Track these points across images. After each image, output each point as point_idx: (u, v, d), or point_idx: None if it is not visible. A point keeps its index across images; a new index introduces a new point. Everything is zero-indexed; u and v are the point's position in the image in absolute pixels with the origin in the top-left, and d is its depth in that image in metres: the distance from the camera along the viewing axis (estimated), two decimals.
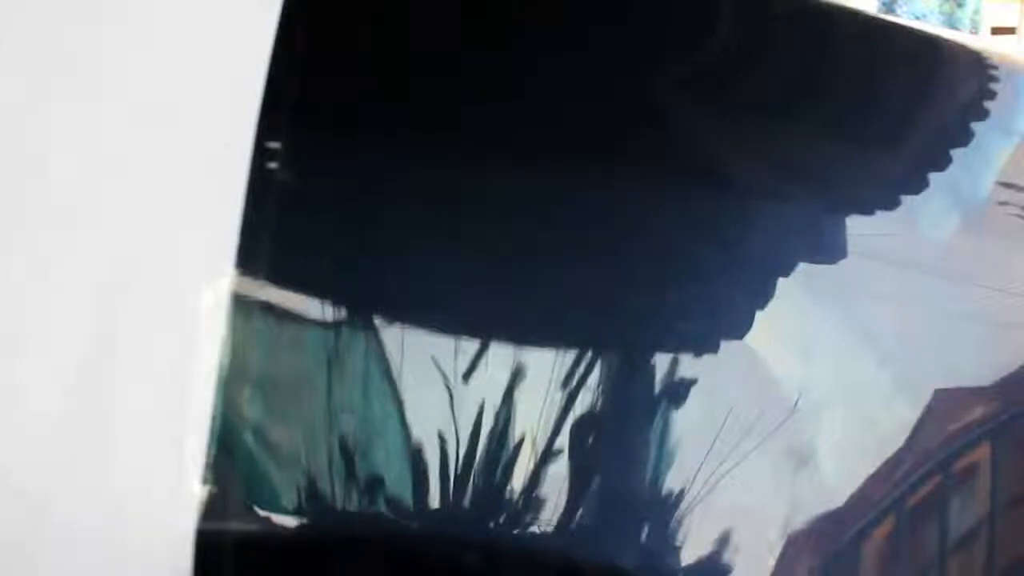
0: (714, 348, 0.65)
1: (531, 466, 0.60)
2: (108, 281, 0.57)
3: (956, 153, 0.79)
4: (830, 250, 0.70)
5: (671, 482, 0.61)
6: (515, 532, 0.60)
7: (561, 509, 0.60)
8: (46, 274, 0.57)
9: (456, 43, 0.68)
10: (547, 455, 0.60)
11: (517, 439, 0.60)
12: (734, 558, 0.61)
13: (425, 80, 0.66)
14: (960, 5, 4.42)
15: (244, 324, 0.59)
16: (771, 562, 0.62)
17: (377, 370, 0.60)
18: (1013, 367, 0.71)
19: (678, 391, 0.62)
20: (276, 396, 0.60)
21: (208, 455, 0.56)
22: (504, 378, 0.60)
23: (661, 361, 0.63)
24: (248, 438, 0.59)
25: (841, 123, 0.77)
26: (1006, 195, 0.82)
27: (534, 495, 0.60)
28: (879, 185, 0.75)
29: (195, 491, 0.56)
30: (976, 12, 4.45)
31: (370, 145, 0.64)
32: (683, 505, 0.61)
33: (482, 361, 0.61)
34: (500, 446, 0.60)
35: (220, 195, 0.58)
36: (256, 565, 0.60)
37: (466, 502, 0.60)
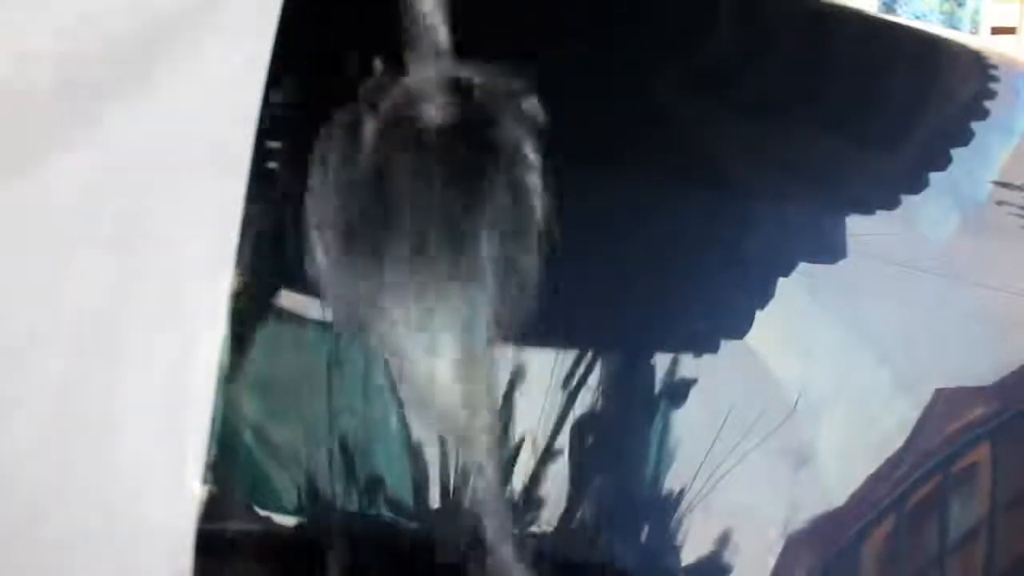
0: (714, 348, 0.65)
1: (531, 466, 0.60)
2: (108, 281, 0.57)
3: (956, 153, 0.79)
4: (830, 250, 0.70)
5: (671, 482, 0.61)
6: (515, 532, 0.60)
7: (561, 509, 0.60)
8: (46, 274, 0.57)
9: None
10: (547, 455, 0.60)
11: (517, 439, 0.60)
12: (734, 558, 0.61)
13: None
14: (960, 5, 4.42)
15: (244, 324, 0.59)
16: (771, 562, 0.62)
17: (377, 370, 0.60)
18: (1013, 367, 0.71)
19: (678, 391, 0.62)
20: (276, 396, 0.60)
21: (208, 455, 0.56)
22: (504, 378, 0.60)
23: (661, 361, 0.63)
24: (248, 438, 0.59)
25: (841, 123, 0.77)
26: (1005, 195, 0.82)
27: (534, 495, 0.60)
28: (879, 185, 0.75)
29: (195, 491, 0.56)
30: (976, 12, 4.45)
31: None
32: (683, 505, 0.61)
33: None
34: (500, 446, 0.60)
35: (220, 195, 0.58)
36: (256, 565, 0.60)
37: (466, 502, 0.60)
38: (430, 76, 0.61)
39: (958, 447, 0.68)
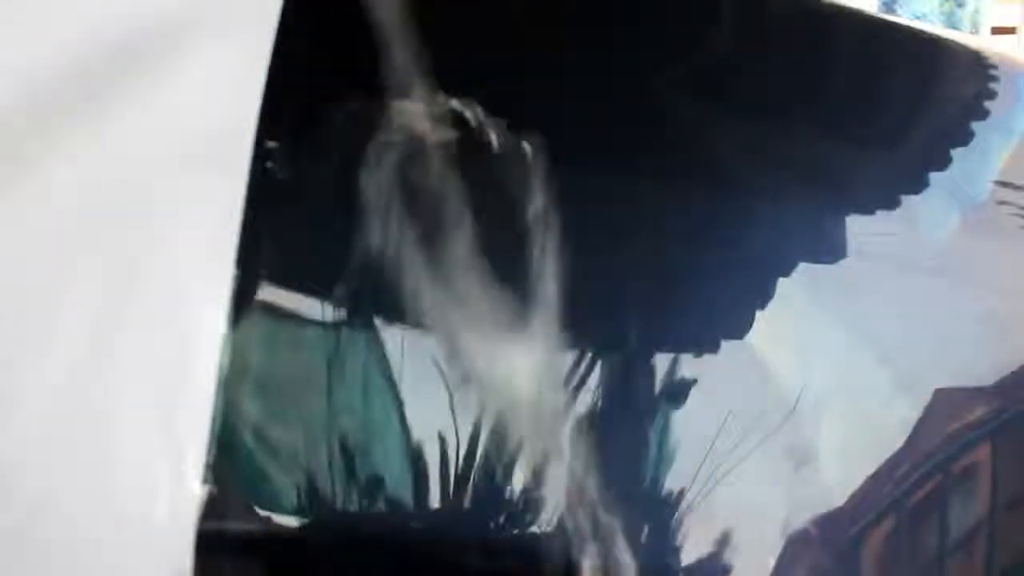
0: (714, 348, 0.65)
1: (531, 466, 0.60)
2: (108, 281, 0.57)
3: (956, 153, 0.80)
4: (830, 250, 0.70)
5: (671, 482, 0.61)
6: (515, 532, 0.60)
7: (561, 509, 0.60)
8: (46, 274, 0.57)
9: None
10: (547, 455, 0.60)
11: (517, 439, 0.60)
12: (734, 558, 0.61)
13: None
14: (960, 5, 4.42)
15: (244, 324, 0.59)
16: (771, 562, 0.62)
17: (377, 370, 0.60)
18: (1013, 367, 0.71)
19: (678, 391, 0.62)
20: (276, 396, 0.60)
21: (208, 455, 0.56)
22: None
23: (661, 361, 0.63)
24: (248, 438, 0.59)
25: (841, 123, 0.77)
26: (1006, 195, 0.82)
27: (534, 495, 0.60)
28: (879, 185, 0.75)
29: (195, 491, 0.56)
30: (976, 12, 4.45)
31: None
32: (683, 505, 0.61)
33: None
34: (500, 446, 0.60)
35: (220, 195, 0.58)
36: (256, 565, 0.60)
37: (466, 502, 0.60)
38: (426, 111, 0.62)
39: (958, 447, 0.68)
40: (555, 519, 0.60)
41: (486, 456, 0.60)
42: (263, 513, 0.59)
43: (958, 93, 0.88)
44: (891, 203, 0.74)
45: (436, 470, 0.59)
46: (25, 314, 0.56)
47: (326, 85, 0.64)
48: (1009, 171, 0.83)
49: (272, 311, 0.61)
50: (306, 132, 0.63)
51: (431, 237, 0.61)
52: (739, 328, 0.65)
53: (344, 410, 0.60)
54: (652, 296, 0.65)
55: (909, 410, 0.66)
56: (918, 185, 0.76)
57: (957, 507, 0.67)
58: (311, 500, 0.59)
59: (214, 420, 0.57)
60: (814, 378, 0.66)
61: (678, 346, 0.63)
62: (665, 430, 0.62)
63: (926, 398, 0.67)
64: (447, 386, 0.60)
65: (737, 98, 0.74)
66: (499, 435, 0.60)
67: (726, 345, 0.65)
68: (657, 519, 0.62)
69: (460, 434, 0.59)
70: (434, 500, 0.59)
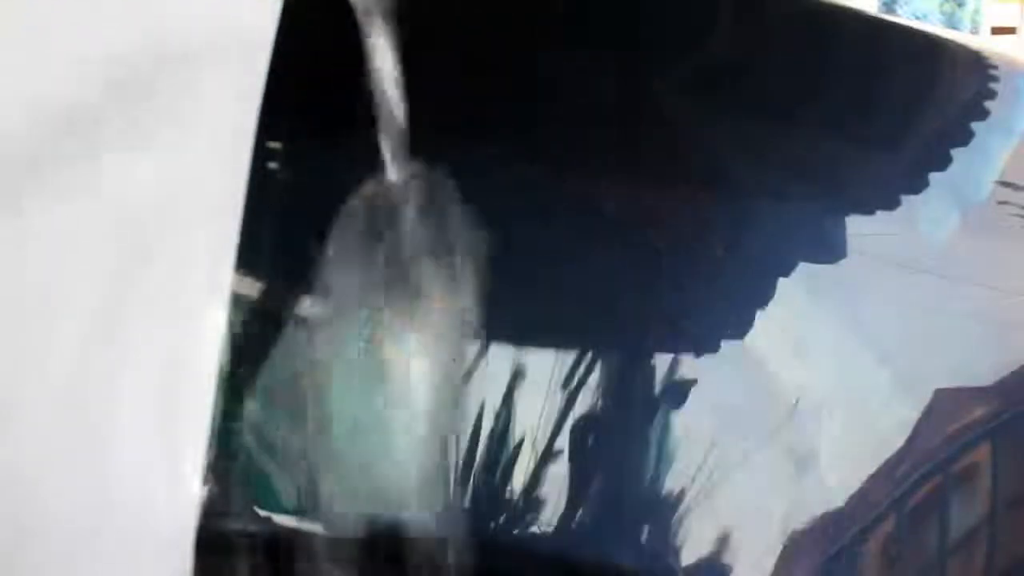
0: (714, 348, 0.65)
1: (531, 466, 0.60)
2: (107, 281, 0.57)
3: (956, 153, 0.80)
4: (830, 250, 0.70)
5: (671, 482, 0.61)
6: (515, 532, 0.60)
7: (561, 509, 0.60)
8: (45, 274, 0.57)
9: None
10: (547, 455, 0.60)
11: (517, 439, 0.60)
12: (734, 558, 0.61)
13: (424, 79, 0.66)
14: (960, 5, 4.41)
15: (244, 324, 0.59)
16: (771, 562, 0.62)
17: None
18: (1013, 367, 0.71)
19: (678, 391, 0.62)
20: (276, 396, 0.60)
21: (208, 455, 0.56)
22: (504, 378, 0.60)
23: (661, 361, 0.63)
24: (248, 438, 0.59)
25: (841, 123, 0.77)
26: (1006, 195, 0.82)
27: (534, 495, 0.60)
28: (879, 185, 0.75)
29: (195, 491, 0.56)
30: (976, 12, 4.44)
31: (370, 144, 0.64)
32: (683, 505, 0.61)
33: (482, 361, 0.61)
34: (500, 446, 0.60)
35: (220, 195, 0.58)
36: (256, 565, 0.60)
37: (466, 502, 0.60)
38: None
39: (958, 447, 0.68)
40: (555, 519, 0.60)
41: (486, 456, 0.60)
42: (263, 513, 0.59)
43: (958, 93, 0.88)
44: (891, 203, 0.74)
45: (436, 470, 0.59)
46: (24, 316, 0.56)
47: (328, 85, 0.64)
48: (1010, 171, 0.83)
49: (272, 311, 0.61)
50: (306, 132, 0.63)
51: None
52: (739, 328, 0.65)
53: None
54: (652, 296, 0.66)
55: (909, 410, 0.66)
56: (918, 185, 0.76)
57: (957, 507, 0.67)
58: (311, 500, 0.59)
59: (214, 420, 0.56)
60: (814, 378, 0.66)
61: (678, 346, 0.63)
62: (665, 430, 0.62)
63: (926, 398, 0.67)
64: (447, 386, 0.60)
65: (737, 98, 0.74)
66: (499, 435, 0.60)
67: (726, 345, 0.65)
68: (657, 519, 0.62)
69: (460, 434, 0.59)
70: (434, 500, 0.59)
